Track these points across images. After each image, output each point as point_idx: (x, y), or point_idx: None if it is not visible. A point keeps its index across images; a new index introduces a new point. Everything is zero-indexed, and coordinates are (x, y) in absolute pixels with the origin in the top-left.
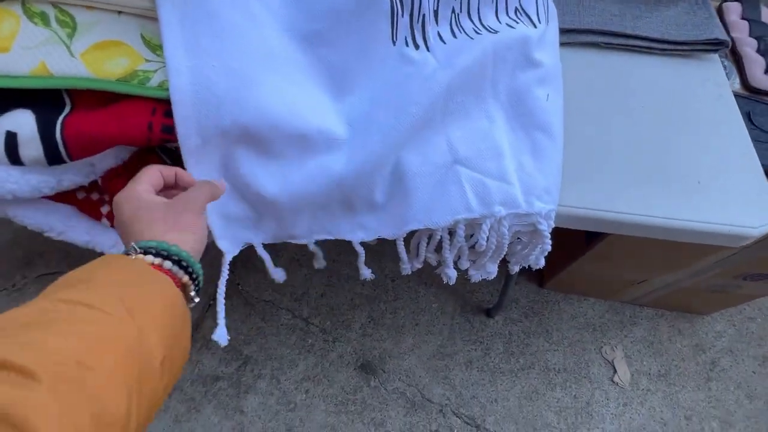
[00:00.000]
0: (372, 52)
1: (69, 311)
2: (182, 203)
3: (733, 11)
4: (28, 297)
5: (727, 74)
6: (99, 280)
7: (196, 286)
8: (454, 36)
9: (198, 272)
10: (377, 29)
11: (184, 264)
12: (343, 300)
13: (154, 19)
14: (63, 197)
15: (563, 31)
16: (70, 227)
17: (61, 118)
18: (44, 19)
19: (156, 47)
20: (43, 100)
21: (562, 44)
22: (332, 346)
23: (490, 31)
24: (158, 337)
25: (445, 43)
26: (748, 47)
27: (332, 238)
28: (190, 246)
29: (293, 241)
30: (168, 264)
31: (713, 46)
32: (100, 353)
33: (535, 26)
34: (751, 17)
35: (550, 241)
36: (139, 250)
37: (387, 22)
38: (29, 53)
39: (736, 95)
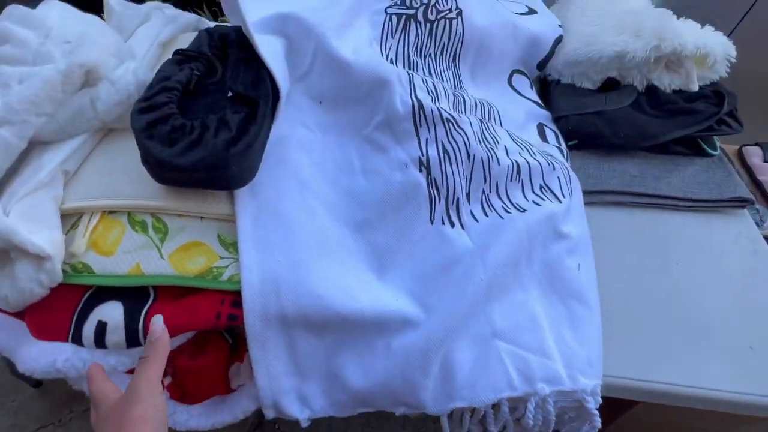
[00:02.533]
0: (412, 232)
1: None
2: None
3: (754, 154)
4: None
5: (761, 218)
6: None
7: None
8: (486, 215)
9: None
10: (417, 214)
11: None
12: None
13: (229, 221)
14: (131, 371)
15: (587, 193)
16: None
17: (145, 309)
18: (143, 227)
19: (229, 245)
20: (132, 293)
21: (587, 204)
22: None
23: (518, 209)
24: None
25: (477, 221)
26: None
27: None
28: None
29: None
30: None
31: (738, 203)
32: None
33: (560, 201)
34: None
35: (599, 419)
36: None
37: (426, 209)
38: (128, 256)
39: None
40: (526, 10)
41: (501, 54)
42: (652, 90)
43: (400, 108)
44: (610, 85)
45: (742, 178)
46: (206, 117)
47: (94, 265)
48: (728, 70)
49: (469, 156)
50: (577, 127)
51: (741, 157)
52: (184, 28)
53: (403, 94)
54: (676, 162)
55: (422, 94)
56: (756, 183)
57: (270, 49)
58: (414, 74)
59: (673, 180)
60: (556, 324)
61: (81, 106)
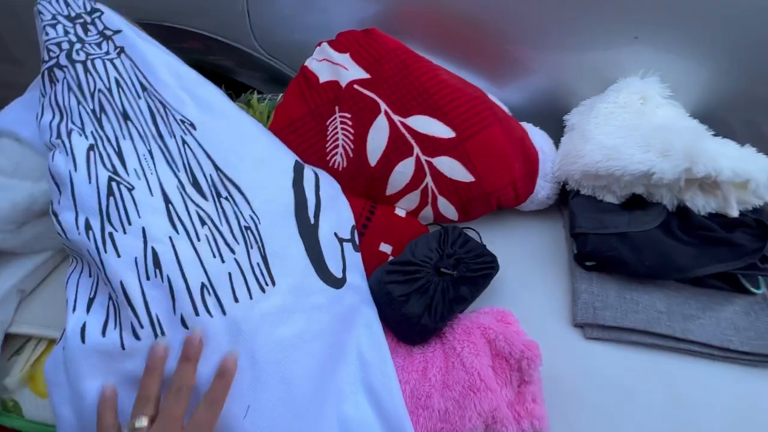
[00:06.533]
0: None
1: None
2: None
3: None
4: None
5: None
6: None
7: None
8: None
9: None
10: None
11: None
12: None
13: None
14: None
15: (603, 328)
16: None
17: None
18: None
19: None
20: None
21: (603, 340)
22: None
23: None
24: None
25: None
26: None
27: None
28: None
29: None
30: None
31: None
32: None
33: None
34: None
35: None
36: None
37: None
38: None
39: None
40: None
41: None
42: (684, 211)
43: None
44: (636, 200)
45: None
46: None
47: (24, 406)
48: None
49: None
50: (596, 249)
51: None
52: None
53: None
54: (711, 299)
55: None
56: None
57: None
58: None
59: (706, 322)
60: None
61: (48, 224)
